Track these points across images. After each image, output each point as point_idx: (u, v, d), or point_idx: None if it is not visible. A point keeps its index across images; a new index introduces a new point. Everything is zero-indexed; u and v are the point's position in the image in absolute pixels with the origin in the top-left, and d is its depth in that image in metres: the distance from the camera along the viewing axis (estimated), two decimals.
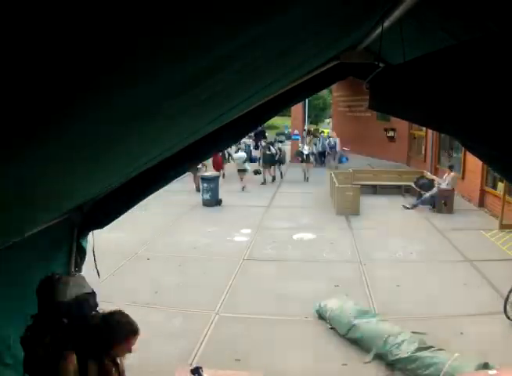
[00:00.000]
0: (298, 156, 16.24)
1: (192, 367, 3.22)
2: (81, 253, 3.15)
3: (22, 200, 1.20)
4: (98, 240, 3.26)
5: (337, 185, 11.18)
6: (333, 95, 26.82)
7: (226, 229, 9.44)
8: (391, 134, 19.33)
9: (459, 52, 1.35)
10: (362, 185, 12.02)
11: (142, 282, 6.61)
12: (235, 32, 0.86)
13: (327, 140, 18.13)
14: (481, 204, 11.15)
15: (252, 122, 3.07)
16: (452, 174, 11.07)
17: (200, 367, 3.18)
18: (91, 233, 3.19)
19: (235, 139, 3.28)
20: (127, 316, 2.31)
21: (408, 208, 11.13)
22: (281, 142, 20.39)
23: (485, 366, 3.94)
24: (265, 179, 14.87)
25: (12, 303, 2.37)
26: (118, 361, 2.35)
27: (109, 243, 7.99)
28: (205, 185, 11.79)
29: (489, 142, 1.25)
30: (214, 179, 12.05)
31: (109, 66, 0.66)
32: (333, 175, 12.37)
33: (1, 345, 2.32)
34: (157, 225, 9.74)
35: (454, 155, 13.47)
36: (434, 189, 10.94)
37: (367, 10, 1.74)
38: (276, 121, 29.38)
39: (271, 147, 15.26)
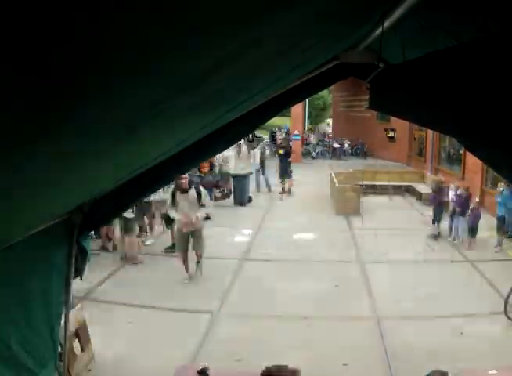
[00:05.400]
0: None
1: (199, 368, 3.17)
2: (83, 253, 3.14)
3: (22, 200, 1.20)
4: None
5: (337, 185, 11.19)
6: (333, 95, 26.85)
7: (226, 229, 9.45)
8: (391, 134, 19.33)
9: (460, 52, 1.36)
10: (362, 185, 12.03)
11: (142, 282, 6.61)
12: (234, 32, 0.86)
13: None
14: (481, 204, 11.13)
15: (252, 123, 3.06)
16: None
17: (207, 367, 3.13)
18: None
19: (234, 141, 3.28)
20: None
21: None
22: None
23: None
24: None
25: (12, 303, 2.37)
26: None
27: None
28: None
29: (489, 142, 1.25)
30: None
31: (109, 67, 0.66)
32: (333, 175, 12.37)
33: (1, 344, 2.32)
34: (157, 225, 9.74)
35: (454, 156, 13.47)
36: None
37: (367, 10, 1.74)
38: (276, 121, 29.38)
39: None
